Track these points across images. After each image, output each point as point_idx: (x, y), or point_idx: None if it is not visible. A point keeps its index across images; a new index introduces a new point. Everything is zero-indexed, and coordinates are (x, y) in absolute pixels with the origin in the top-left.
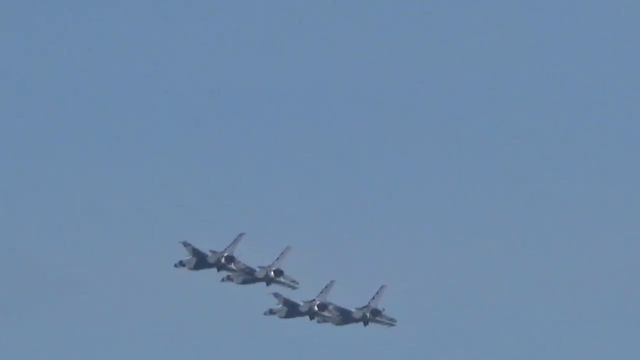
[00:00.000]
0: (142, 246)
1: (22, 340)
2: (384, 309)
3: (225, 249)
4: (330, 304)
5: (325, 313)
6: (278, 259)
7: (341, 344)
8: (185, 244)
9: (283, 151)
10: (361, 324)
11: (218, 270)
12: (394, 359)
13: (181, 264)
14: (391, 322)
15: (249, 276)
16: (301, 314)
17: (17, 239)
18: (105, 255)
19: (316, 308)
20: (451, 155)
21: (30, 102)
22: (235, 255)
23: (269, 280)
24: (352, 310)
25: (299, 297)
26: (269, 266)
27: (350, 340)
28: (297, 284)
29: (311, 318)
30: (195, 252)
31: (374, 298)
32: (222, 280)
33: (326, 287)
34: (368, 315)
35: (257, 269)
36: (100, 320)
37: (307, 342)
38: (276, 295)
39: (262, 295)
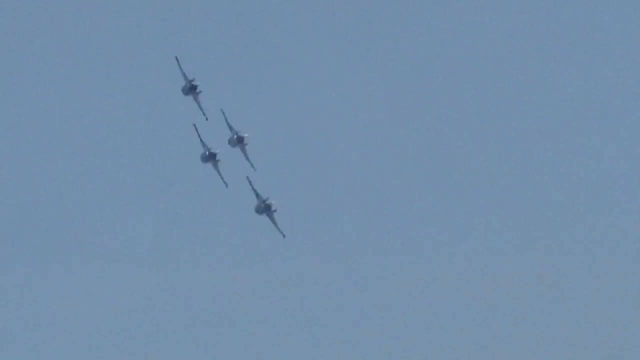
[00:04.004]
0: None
1: None
2: (275, 210)
3: (194, 78)
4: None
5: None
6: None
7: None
8: (178, 60)
9: None
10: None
11: (185, 95)
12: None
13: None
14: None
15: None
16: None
17: None
18: None
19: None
20: None
21: None
22: (197, 85)
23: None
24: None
25: None
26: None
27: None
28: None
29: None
30: (183, 74)
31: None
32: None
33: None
34: (263, 205)
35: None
36: None
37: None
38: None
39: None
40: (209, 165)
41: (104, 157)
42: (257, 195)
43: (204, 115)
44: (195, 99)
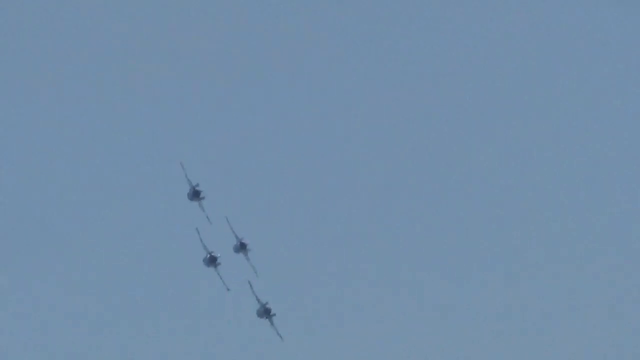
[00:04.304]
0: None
1: None
2: (274, 314)
3: (198, 184)
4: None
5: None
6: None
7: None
8: (182, 166)
9: None
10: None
11: (190, 200)
12: None
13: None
14: (278, 332)
15: None
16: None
17: None
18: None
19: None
20: None
21: None
22: (201, 190)
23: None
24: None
25: None
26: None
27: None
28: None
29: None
30: (188, 180)
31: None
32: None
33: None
34: (263, 309)
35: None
36: None
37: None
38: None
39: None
40: (212, 269)
41: (108, 259)
42: (258, 299)
43: (208, 219)
44: (200, 204)
